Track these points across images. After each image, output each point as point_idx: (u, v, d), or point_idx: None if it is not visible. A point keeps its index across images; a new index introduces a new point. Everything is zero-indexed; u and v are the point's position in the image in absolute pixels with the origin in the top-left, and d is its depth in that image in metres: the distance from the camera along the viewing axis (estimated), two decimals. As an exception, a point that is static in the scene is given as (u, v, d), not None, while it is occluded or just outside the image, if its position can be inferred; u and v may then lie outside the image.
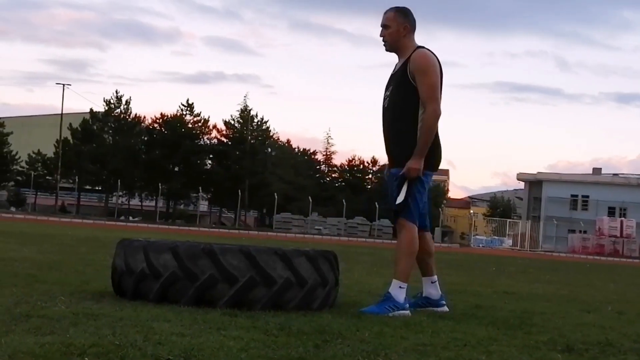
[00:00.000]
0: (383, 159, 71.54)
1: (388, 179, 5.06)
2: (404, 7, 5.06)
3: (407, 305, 4.85)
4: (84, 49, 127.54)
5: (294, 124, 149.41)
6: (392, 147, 5.01)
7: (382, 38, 5.01)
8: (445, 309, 5.16)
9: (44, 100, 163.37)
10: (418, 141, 4.83)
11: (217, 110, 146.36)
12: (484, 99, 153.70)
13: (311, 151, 77.63)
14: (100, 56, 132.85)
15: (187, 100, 67.99)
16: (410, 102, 4.88)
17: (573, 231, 61.72)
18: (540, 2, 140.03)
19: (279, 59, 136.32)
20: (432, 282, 5.23)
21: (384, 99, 5.07)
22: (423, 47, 4.98)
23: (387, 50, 5.04)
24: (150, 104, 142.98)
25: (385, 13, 5.02)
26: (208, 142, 69.04)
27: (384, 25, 5.00)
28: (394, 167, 4.98)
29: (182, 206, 72.41)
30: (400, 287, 4.84)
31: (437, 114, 4.83)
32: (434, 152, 4.94)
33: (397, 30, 4.95)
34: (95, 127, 65.97)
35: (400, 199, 4.84)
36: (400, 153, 4.92)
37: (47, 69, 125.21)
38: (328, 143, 77.83)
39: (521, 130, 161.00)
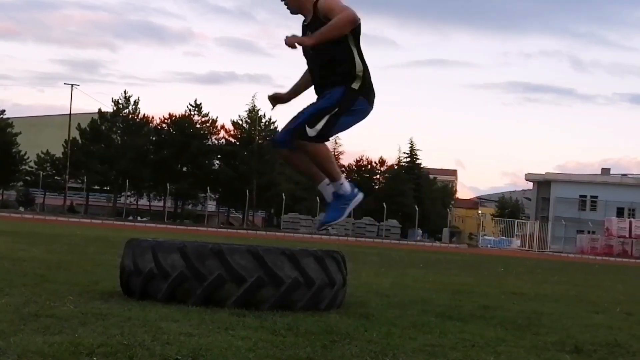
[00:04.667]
0: (391, 159, 70.96)
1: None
2: None
3: (356, 190, 4.87)
4: (96, 49, 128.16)
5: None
6: (326, 78, 4.73)
7: (283, 1, 4.81)
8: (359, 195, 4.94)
9: (54, 100, 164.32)
10: (321, 30, 4.51)
11: (228, 110, 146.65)
12: (497, 99, 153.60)
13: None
14: (112, 57, 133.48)
15: (195, 100, 68.09)
16: (338, 42, 4.60)
17: (581, 232, 61.54)
18: (556, 3, 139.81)
19: (291, 59, 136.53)
20: (327, 185, 4.93)
21: (308, 54, 4.80)
22: None
23: (291, 12, 4.83)
24: (162, 104, 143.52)
25: None
26: (216, 142, 69.11)
27: None
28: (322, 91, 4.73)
29: (190, 206, 72.49)
30: (341, 184, 4.80)
31: (352, 15, 4.52)
32: (366, 79, 4.74)
33: None
34: (103, 127, 66.08)
35: (313, 132, 4.56)
36: (334, 78, 4.67)
37: (59, 70, 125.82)
38: (336, 143, 77.92)
39: (532, 130, 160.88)
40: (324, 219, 4.91)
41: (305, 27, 4.83)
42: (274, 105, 5.14)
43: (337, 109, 4.61)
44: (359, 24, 4.65)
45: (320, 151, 4.67)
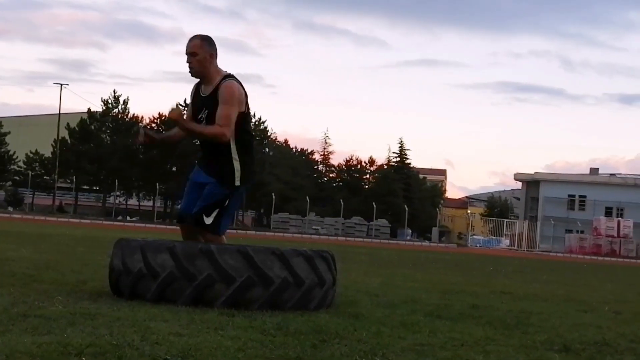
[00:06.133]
0: (381, 159, 70.76)
1: (195, 183, 5.30)
2: (208, 36, 5.21)
3: None
4: (86, 48, 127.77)
5: (296, 124, 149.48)
6: (210, 161, 5.22)
7: (188, 64, 5.14)
8: None
9: (44, 100, 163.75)
10: (196, 126, 5.14)
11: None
12: (486, 99, 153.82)
13: (309, 151, 77.71)
14: (102, 56, 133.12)
15: (185, 100, 67.92)
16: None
17: (570, 231, 61.75)
18: (545, 3, 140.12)
19: (281, 59, 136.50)
20: None
21: (199, 119, 5.22)
22: (231, 77, 5.18)
23: (193, 76, 5.20)
24: (151, 103, 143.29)
25: (191, 41, 5.15)
26: (206, 141, 68.96)
27: (191, 53, 5.12)
28: (210, 176, 5.18)
29: (179, 206, 72.29)
30: None
31: (224, 137, 5.05)
32: (248, 167, 5.18)
33: (204, 57, 5.10)
34: (93, 127, 65.89)
35: (209, 220, 5.08)
36: (219, 170, 5.14)
37: (48, 69, 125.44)
38: (326, 143, 77.96)
39: (521, 130, 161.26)
40: None
41: (202, 99, 5.21)
42: (142, 139, 5.44)
43: (227, 203, 5.13)
44: (248, 115, 5.23)
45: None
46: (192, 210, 5.20)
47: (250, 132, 5.38)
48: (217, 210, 5.10)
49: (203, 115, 5.18)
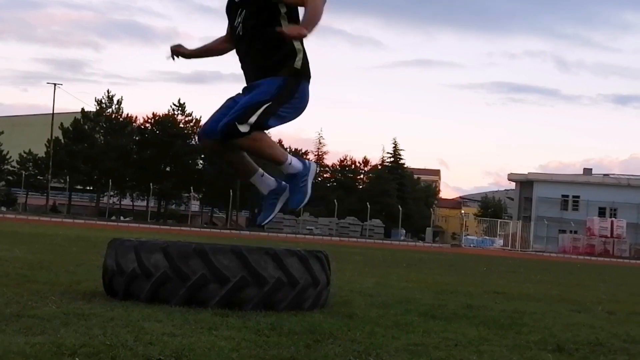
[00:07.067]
0: (375, 159, 70.78)
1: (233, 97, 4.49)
2: None
3: (308, 162, 4.63)
4: (80, 48, 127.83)
5: (290, 124, 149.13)
6: (262, 60, 4.37)
7: None
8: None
9: (38, 99, 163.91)
10: (309, 14, 4.16)
11: (213, 110, 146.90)
12: (481, 99, 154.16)
13: (303, 151, 77.74)
14: (96, 56, 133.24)
15: (179, 100, 68.01)
16: (274, 22, 4.30)
17: (564, 231, 61.90)
18: (541, 3, 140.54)
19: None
20: (261, 176, 4.74)
21: (235, 26, 4.49)
22: None
23: None
24: (146, 103, 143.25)
25: None
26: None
27: None
28: (265, 78, 4.35)
29: (173, 206, 72.29)
30: (290, 163, 4.53)
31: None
32: (306, 57, 4.43)
33: None
34: (86, 127, 65.85)
35: (245, 128, 4.19)
36: (277, 62, 4.34)
37: (43, 69, 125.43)
38: (320, 143, 78.02)
39: (516, 130, 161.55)
40: (292, 204, 4.55)
41: (237, 4, 4.51)
42: (173, 57, 4.76)
43: (270, 103, 4.26)
44: None
45: (256, 141, 4.30)
46: (218, 124, 4.30)
47: None
48: (261, 109, 4.21)
49: (239, 20, 4.46)
